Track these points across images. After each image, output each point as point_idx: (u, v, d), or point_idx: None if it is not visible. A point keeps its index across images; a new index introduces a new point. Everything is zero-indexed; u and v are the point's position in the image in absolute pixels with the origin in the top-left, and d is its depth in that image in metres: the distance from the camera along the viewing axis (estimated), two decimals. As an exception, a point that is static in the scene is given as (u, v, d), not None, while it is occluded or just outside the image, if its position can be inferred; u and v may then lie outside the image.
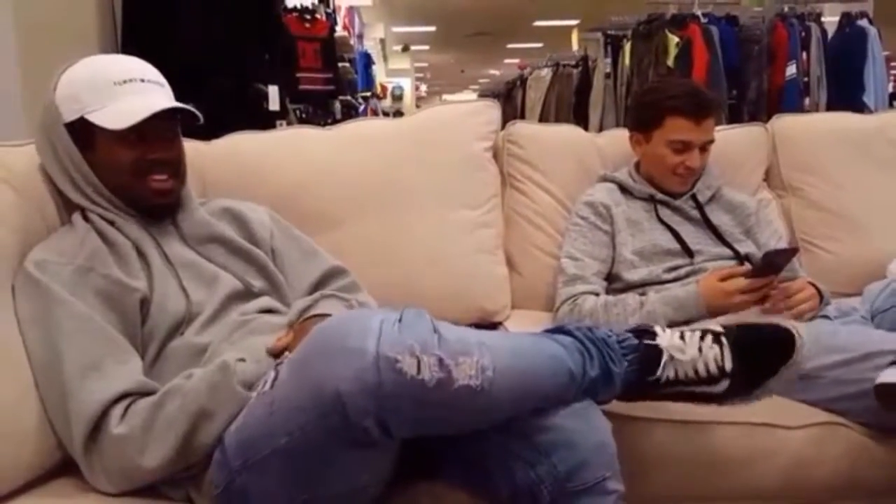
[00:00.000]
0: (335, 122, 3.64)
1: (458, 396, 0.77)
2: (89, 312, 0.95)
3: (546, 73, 5.58)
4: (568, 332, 0.93)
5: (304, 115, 3.63)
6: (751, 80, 3.26)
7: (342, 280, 1.24)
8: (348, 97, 5.05)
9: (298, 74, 3.34)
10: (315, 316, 1.06)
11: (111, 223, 1.05)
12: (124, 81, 1.04)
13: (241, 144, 1.52)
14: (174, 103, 1.06)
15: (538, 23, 12.01)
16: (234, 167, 1.47)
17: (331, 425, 0.75)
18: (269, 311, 1.11)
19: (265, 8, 2.58)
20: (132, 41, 2.19)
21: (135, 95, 1.04)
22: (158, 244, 1.07)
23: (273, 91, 2.57)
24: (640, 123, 1.50)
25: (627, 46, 3.63)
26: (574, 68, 5.04)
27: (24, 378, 0.93)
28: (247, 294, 1.11)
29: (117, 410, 0.89)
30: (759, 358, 0.93)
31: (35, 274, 0.96)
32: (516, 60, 15.25)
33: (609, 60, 3.85)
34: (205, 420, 0.87)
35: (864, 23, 3.34)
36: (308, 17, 3.45)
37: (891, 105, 3.97)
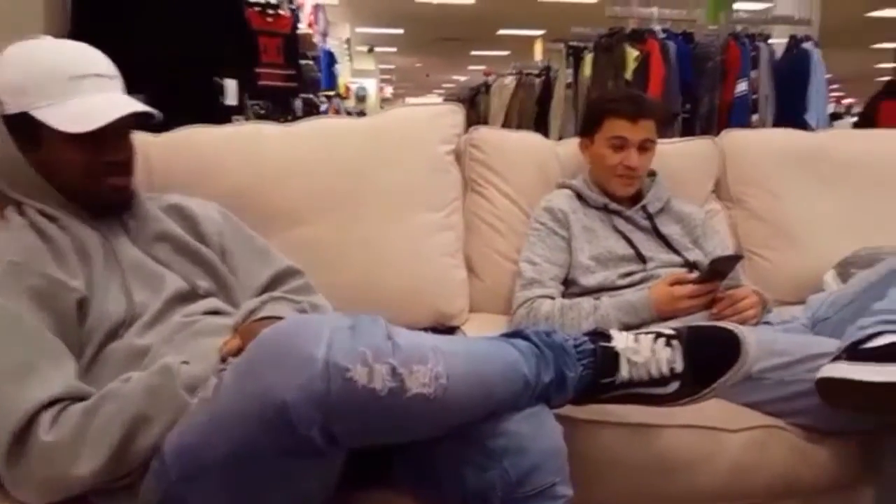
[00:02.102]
0: (295, 119, 3.61)
1: (411, 405, 0.76)
2: (20, 312, 0.90)
3: (510, 81, 5.65)
4: (525, 337, 0.93)
5: (262, 112, 3.59)
6: (703, 95, 3.37)
7: (295, 281, 1.21)
8: (310, 95, 5.01)
9: (258, 70, 3.30)
10: (263, 318, 1.03)
11: (53, 219, 1.00)
12: (79, 76, 0.98)
13: (194, 138, 1.48)
14: (135, 105, 1.01)
15: (503, 31, 12.13)
16: (185, 162, 1.43)
17: (275, 435, 0.73)
18: (215, 312, 1.07)
19: (226, -1, 2.51)
20: (83, 26, 2.11)
21: (89, 94, 0.98)
22: (107, 241, 1.03)
23: (231, 85, 2.51)
24: (585, 127, 1.59)
25: (589, 58, 3.71)
26: (537, 77, 5.12)
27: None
28: (192, 295, 1.07)
29: (47, 417, 0.84)
30: (708, 359, 0.94)
31: None
32: (481, 67, 15.35)
33: (571, 71, 3.93)
34: (142, 426, 0.83)
35: (809, 45, 3.49)
36: (271, 11, 3.41)
37: (830, 124, 4.16)
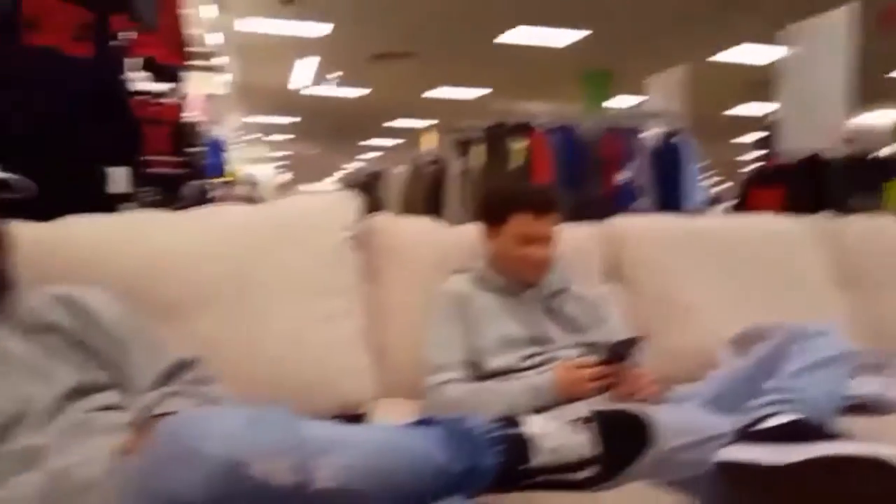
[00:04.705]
0: (185, 206, 3.49)
1: (316, 500, 0.72)
2: None
3: (405, 168, 5.78)
4: (435, 424, 0.91)
5: (151, 200, 3.45)
6: (587, 184, 3.61)
7: (193, 372, 1.14)
8: (201, 182, 4.88)
9: (145, 157, 3.20)
10: (161, 415, 0.96)
11: None
12: None
13: (77, 228, 1.41)
14: None
15: (397, 122, 12.59)
16: (68, 253, 1.35)
17: None
18: (110, 408, 1.00)
19: (106, 85, 2.44)
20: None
21: None
22: None
23: (116, 172, 2.41)
24: (490, 219, 1.58)
25: (478, 149, 3.88)
26: (431, 165, 5.27)
27: None
28: (85, 389, 0.99)
29: None
30: (621, 442, 0.96)
31: None
32: (374, 155, 15.72)
33: (461, 161, 4.09)
34: None
35: (680, 138, 3.86)
36: (157, 100, 3.35)
37: (711, 208, 4.52)
